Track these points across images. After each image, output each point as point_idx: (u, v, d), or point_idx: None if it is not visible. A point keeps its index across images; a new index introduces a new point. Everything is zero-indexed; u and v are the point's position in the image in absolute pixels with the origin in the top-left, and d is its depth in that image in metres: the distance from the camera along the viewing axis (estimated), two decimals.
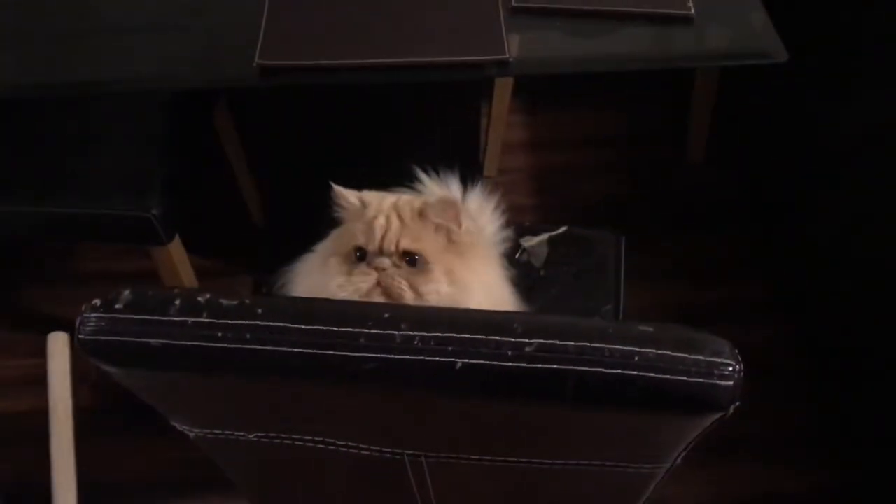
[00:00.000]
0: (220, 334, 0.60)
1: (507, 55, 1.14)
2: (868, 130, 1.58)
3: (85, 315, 0.62)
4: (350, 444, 0.75)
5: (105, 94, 1.48)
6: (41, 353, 1.87)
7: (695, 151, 2.14)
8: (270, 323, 0.60)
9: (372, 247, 0.95)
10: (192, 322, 0.61)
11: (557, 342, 0.59)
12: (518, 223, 1.34)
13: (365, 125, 1.74)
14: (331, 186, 1.01)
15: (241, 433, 0.77)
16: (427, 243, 0.95)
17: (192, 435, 0.80)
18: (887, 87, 1.51)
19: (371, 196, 1.02)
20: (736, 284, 1.91)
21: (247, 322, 0.60)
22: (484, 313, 0.63)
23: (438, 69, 1.15)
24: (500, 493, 0.84)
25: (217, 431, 0.78)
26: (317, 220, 1.06)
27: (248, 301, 0.62)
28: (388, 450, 0.75)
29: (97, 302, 0.62)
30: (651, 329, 0.60)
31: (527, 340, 0.59)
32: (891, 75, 1.49)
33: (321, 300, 0.72)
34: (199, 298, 0.62)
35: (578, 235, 1.39)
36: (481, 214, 1.16)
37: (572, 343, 0.59)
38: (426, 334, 0.59)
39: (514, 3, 1.22)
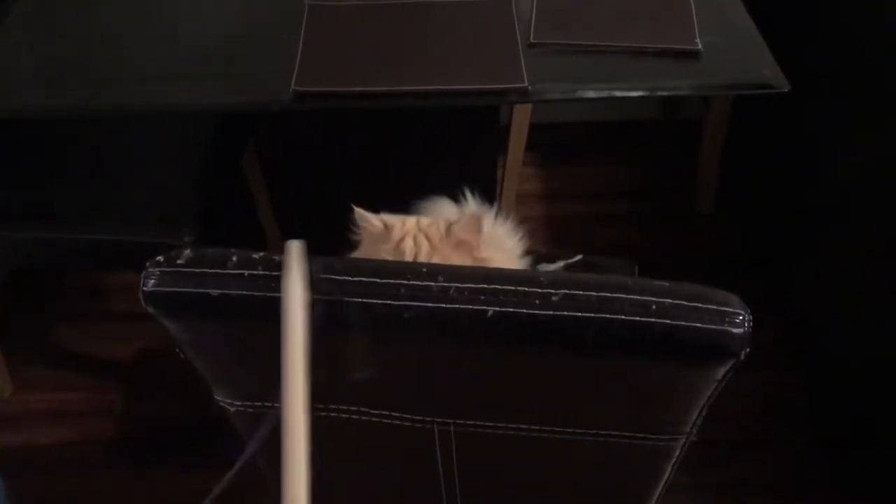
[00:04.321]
0: (273, 285, 0.66)
1: (526, 84, 1.23)
2: (878, 177, 1.61)
3: (149, 269, 0.68)
4: (383, 413, 0.80)
5: (143, 116, 1.57)
6: (66, 387, 1.93)
7: (704, 201, 2.20)
8: (321, 275, 0.66)
9: None
10: (248, 274, 0.67)
11: (580, 293, 0.65)
12: (536, 251, 1.39)
13: (384, 178, 1.83)
14: (351, 209, 1.04)
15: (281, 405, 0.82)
16: (455, 263, 0.98)
17: (232, 409, 0.84)
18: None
19: (392, 219, 1.04)
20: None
21: None
22: (513, 270, 0.69)
23: (463, 95, 1.23)
24: (521, 471, 0.88)
25: (257, 404, 0.83)
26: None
27: None
28: (420, 418, 0.79)
29: (160, 258, 0.68)
30: (666, 284, 0.66)
31: (553, 291, 0.65)
32: None
33: (365, 259, 0.78)
34: (255, 255, 0.68)
35: (593, 263, 1.45)
36: (505, 240, 1.23)
37: (594, 294, 0.65)
38: (461, 285, 0.65)
39: (532, 40, 1.31)
